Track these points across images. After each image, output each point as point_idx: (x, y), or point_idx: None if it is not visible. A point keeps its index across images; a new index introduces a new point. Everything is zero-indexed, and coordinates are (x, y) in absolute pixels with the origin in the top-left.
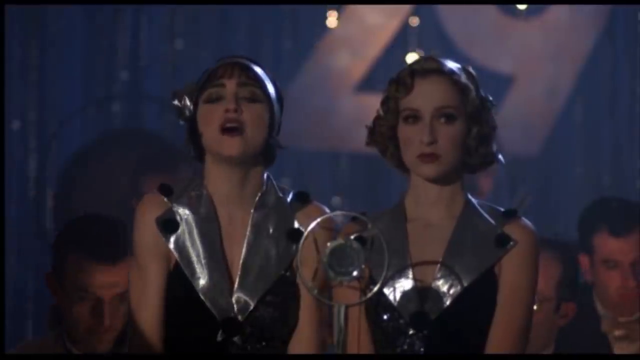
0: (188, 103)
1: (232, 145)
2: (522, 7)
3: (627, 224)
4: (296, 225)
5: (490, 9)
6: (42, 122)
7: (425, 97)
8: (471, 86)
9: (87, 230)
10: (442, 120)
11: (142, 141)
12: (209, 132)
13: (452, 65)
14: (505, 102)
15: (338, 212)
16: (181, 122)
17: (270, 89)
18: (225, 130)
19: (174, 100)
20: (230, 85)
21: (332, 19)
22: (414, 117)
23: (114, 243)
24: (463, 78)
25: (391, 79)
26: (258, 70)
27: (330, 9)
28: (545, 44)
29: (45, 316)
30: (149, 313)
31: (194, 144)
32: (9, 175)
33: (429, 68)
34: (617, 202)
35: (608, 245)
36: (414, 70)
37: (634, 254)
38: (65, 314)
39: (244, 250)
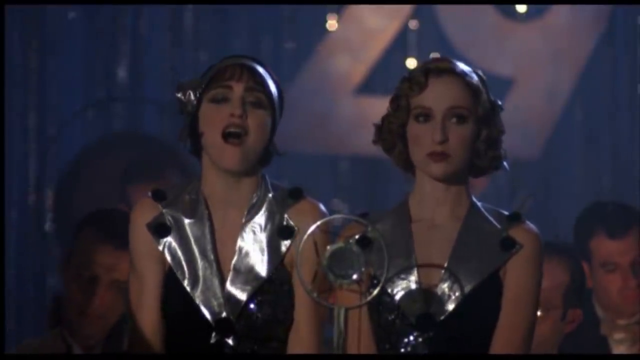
0: (192, 98)
1: (232, 158)
2: (521, 9)
3: (623, 225)
4: (286, 222)
5: (490, 12)
6: (42, 124)
7: (438, 96)
8: (482, 89)
9: (106, 212)
10: (454, 120)
11: (130, 146)
12: (211, 135)
13: (464, 67)
14: (505, 105)
15: (338, 215)
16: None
17: (275, 94)
18: (228, 135)
19: (178, 92)
20: (237, 89)
21: (332, 22)
22: (426, 115)
23: (121, 225)
24: (475, 80)
25: (404, 77)
26: (265, 73)
27: (330, 13)
28: (545, 46)
29: (45, 316)
30: (147, 315)
31: (192, 138)
32: (9, 177)
33: (443, 68)
34: (612, 204)
35: (606, 247)
36: (428, 69)
37: (632, 255)
38: (65, 300)
39: (235, 251)
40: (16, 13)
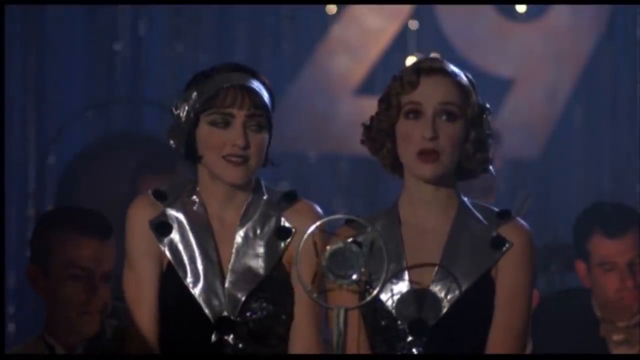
0: (192, 115)
1: (235, 175)
2: (521, 9)
3: (621, 225)
4: (282, 223)
5: (490, 12)
6: (42, 124)
7: (429, 92)
8: (472, 90)
9: (72, 210)
10: (444, 117)
11: (140, 143)
12: (211, 157)
13: (455, 68)
14: (506, 106)
15: (337, 215)
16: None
17: (271, 109)
18: (229, 161)
19: (176, 110)
20: (239, 116)
21: (331, 7)
22: (416, 111)
23: (101, 220)
24: (466, 81)
25: (395, 77)
26: (259, 87)
27: (330, 8)
28: (545, 47)
29: (45, 316)
30: (145, 311)
31: (188, 148)
32: (9, 178)
33: (435, 67)
34: (610, 205)
35: (603, 247)
36: (420, 68)
37: (629, 255)
38: (51, 302)
39: (232, 253)
40: (16, 13)
